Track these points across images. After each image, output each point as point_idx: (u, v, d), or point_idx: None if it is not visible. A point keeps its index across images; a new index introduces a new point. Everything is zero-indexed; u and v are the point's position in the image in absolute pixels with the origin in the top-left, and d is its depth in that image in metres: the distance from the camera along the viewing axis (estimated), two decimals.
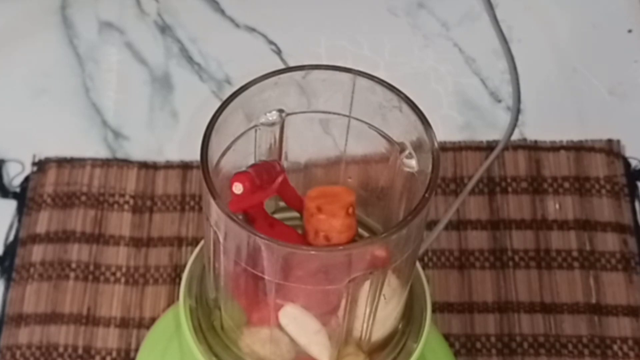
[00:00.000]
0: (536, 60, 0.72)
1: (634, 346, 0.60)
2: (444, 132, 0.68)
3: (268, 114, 0.43)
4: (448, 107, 0.70)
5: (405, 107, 0.42)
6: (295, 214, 0.44)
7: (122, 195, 0.65)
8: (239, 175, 0.41)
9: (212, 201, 0.39)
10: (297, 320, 0.43)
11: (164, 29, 0.74)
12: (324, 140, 0.45)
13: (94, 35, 0.73)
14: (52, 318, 0.61)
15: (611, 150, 0.67)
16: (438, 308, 0.61)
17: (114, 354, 0.60)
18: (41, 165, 0.67)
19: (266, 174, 0.43)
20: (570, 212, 0.64)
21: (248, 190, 0.41)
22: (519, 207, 0.65)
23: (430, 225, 0.63)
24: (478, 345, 0.60)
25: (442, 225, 0.64)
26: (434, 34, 0.74)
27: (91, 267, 0.62)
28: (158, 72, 0.72)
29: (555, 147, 0.67)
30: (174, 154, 0.67)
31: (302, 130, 0.44)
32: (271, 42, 0.73)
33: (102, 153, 0.68)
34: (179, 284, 0.50)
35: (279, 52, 0.73)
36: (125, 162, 0.67)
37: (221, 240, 0.41)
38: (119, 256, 0.63)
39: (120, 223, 0.64)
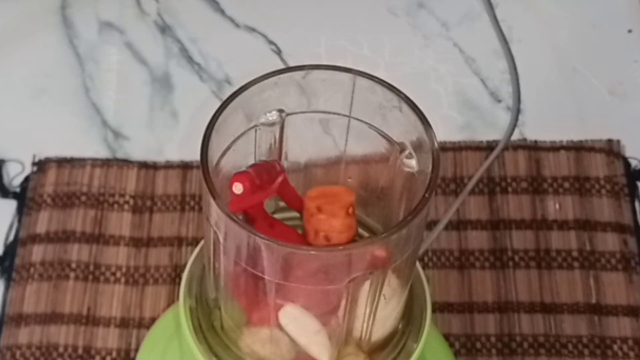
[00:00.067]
0: (536, 60, 0.72)
1: (634, 346, 0.60)
2: (444, 132, 0.68)
3: (268, 114, 0.43)
4: (448, 107, 0.70)
5: (405, 107, 0.42)
6: (295, 214, 0.44)
7: (122, 195, 0.65)
8: (239, 175, 0.41)
9: (212, 201, 0.39)
10: (297, 320, 0.43)
11: (164, 29, 0.74)
12: (324, 140, 0.45)
13: (94, 35, 0.73)
14: (52, 318, 0.61)
15: (611, 150, 0.67)
16: (438, 308, 0.61)
17: (114, 354, 0.60)
18: (41, 165, 0.67)
19: (266, 174, 0.43)
20: (570, 212, 0.64)
21: (248, 190, 0.41)
22: (519, 207, 0.65)
23: (430, 225, 0.63)
24: (478, 345, 0.60)
25: (442, 225, 0.64)
26: (434, 34, 0.74)
27: (91, 267, 0.62)
28: (158, 72, 0.72)
29: (555, 147, 0.67)
30: (174, 154, 0.67)
31: (302, 130, 0.44)
32: (271, 42, 0.73)
33: (102, 153, 0.68)
34: (179, 284, 0.50)
35: (279, 52, 0.73)
36: (125, 162, 0.67)
37: (221, 240, 0.41)
38: (119, 256, 0.63)
39: (120, 223, 0.64)
